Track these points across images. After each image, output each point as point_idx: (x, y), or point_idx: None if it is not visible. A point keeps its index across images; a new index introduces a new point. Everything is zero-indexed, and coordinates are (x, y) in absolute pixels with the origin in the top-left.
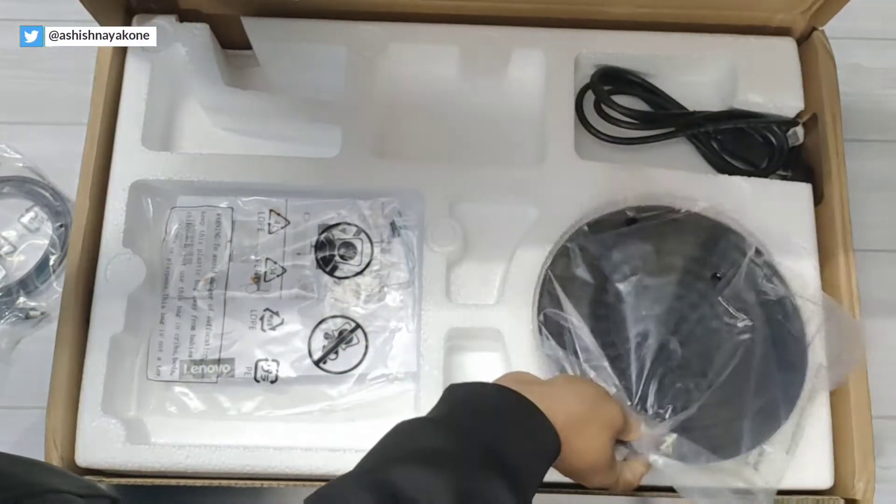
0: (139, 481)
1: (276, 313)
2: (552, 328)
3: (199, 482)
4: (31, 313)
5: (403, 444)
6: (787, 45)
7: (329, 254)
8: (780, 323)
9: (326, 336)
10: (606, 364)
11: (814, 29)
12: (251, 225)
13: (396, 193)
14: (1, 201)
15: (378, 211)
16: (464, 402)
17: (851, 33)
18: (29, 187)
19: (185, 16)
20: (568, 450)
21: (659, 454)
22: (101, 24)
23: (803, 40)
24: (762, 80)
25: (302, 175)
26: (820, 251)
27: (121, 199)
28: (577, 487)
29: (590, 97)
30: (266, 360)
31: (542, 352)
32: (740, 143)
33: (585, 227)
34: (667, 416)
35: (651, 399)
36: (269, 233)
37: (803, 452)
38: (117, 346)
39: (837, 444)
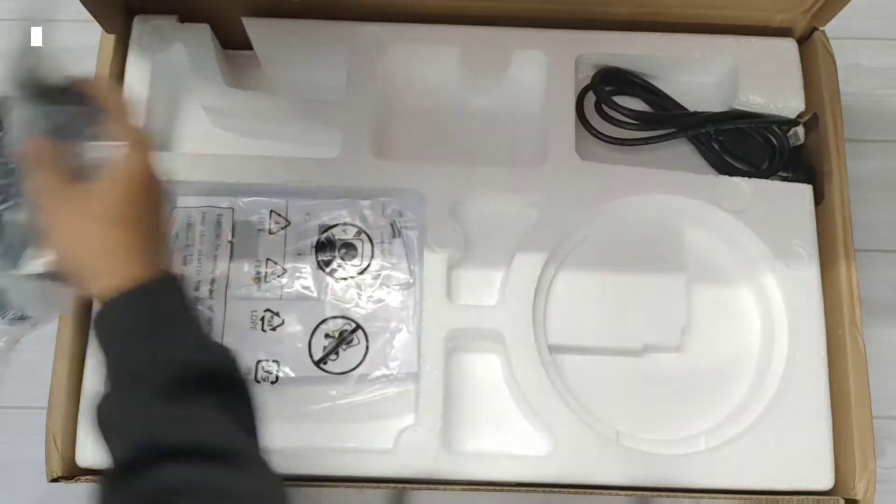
0: None
1: (277, 314)
2: None
3: None
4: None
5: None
6: (788, 46)
7: (330, 254)
8: None
9: (327, 336)
10: None
11: (814, 29)
12: (252, 225)
13: (397, 194)
14: None
15: (379, 211)
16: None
17: (851, 33)
18: None
19: (186, 16)
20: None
21: None
22: (102, 24)
23: (804, 40)
24: (763, 81)
25: (303, 175)
26: (820, 251)
27: None
28: (577, 487)
29: (591, 98)
30: (266, 360)
31: None
32: (741, 143)
33: None
34: None
35: None
36: (270, 233)
37: (803, 452)
38: None
39: (838, 444)
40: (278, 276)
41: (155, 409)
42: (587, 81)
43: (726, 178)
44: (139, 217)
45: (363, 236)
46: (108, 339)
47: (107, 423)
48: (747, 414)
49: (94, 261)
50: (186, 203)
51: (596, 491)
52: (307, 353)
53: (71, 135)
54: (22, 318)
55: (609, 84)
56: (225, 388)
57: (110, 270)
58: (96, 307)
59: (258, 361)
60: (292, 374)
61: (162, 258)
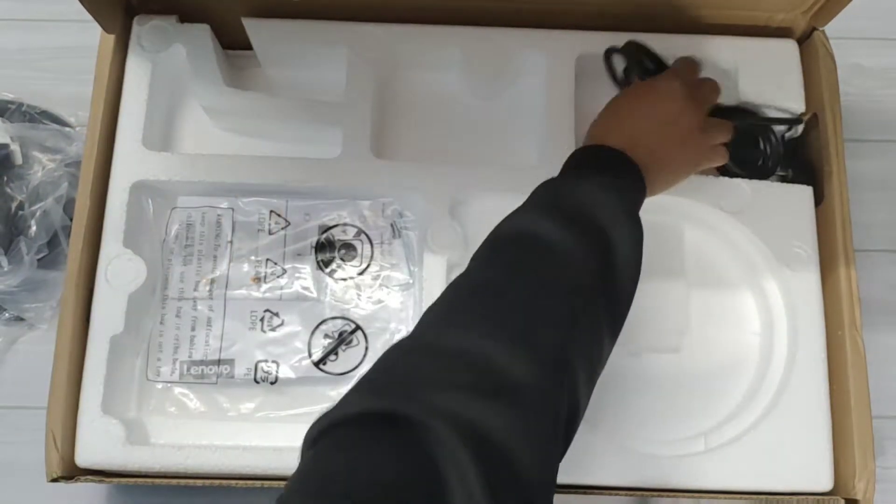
0: (139, 481)
1: (276, 314)
2: None
3: (199, 482)
4: (26, 315)
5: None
6: (788, 46)
7: (329, 255)
8: None
9: (326, 337)
10: None
11: (814, 29)
12: (251, 226)
13: (397, 194)
14: None
15: (378, 212)
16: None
17: (851, 33)
18: None
19: (186, 16)
20: (654, 181)
21: None
22: (102, 24)
23: (804, 40)
24: (763, 81)
25: (302, 176)
26: (820, 251)
27: (121, 199)
28: (577, 487)
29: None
30: (266, 361)
31: None
32: (740, 142)
33: None
34: None
35: None
36: (270, 234)
37: (803, 452)
38: (117, 346)
39: (838, 444)
40: (278, 277)
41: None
42: (588, 81)
43: (726, 178)
44: (667, 128)
45: (363, 237)
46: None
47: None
48: (747, 414)
49: (621, 126)
50: (186, 203)
51: (596, 491)
52: (307, 353)
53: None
54: (19, 319)
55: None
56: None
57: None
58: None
59: (258, 362)
60: (292, 375)
61: (653, 171)
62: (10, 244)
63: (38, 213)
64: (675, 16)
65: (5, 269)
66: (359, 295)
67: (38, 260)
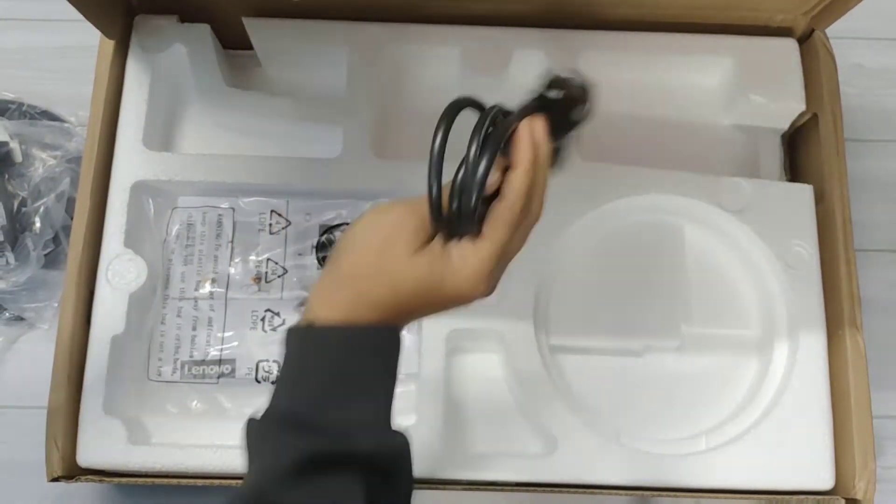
0: (140, 481)
1: (278, 314)
2: None
3: (199, 482)
4: (26, 314)
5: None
6: (789, 46)
7: (330, 254)
8: None
9: None
10: None
11: (814, 29)
12: (252, 225)
13: (397, 194)
14: None
15: None
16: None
17: (852, 33)
18: None
19: (186, 16)
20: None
21: None
22: (102, 30)
23: (804, 40)
24: (763, 81)
25: (303, 175)
26: (820, 251)
27: (122, 199)
28: (577, 487)
29: None
30: (267, 360)
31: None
32: None
33: None
34: None
35: None
36: (271, 233)
37: (803, 452)
38: (118, 346)
39: (838, 444)
40: (279, 277)
41: (284, 478)
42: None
43: (726, 178)
44: (424, 302)
45: None
46: (294, 359)
47: (247, 444)
48: (748, 414)
49: (359, 284)
50: (187, 203)
51: (596, 491)
52: None
53: None
54: (19, 319)
55: None
56: (375, 473)
57: (355, 306)
58: (304, 323)
59: (258, 361)
60: None
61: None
62: (15, 241)
63: (40, 210)
64: (675, 15)
65: (12, 265)
66: None
67: (45, 255)
